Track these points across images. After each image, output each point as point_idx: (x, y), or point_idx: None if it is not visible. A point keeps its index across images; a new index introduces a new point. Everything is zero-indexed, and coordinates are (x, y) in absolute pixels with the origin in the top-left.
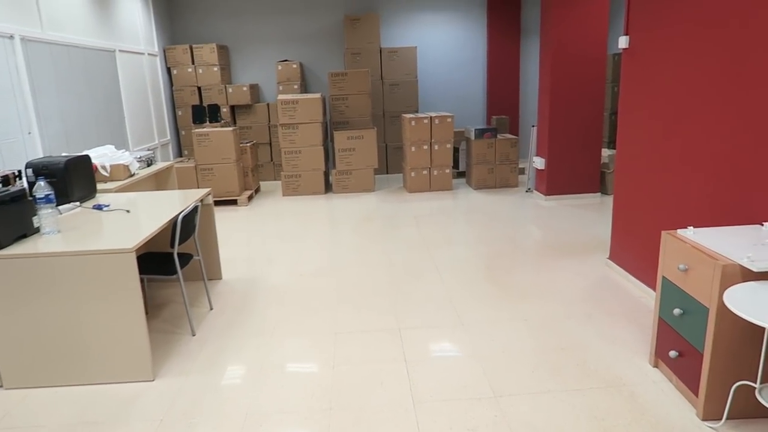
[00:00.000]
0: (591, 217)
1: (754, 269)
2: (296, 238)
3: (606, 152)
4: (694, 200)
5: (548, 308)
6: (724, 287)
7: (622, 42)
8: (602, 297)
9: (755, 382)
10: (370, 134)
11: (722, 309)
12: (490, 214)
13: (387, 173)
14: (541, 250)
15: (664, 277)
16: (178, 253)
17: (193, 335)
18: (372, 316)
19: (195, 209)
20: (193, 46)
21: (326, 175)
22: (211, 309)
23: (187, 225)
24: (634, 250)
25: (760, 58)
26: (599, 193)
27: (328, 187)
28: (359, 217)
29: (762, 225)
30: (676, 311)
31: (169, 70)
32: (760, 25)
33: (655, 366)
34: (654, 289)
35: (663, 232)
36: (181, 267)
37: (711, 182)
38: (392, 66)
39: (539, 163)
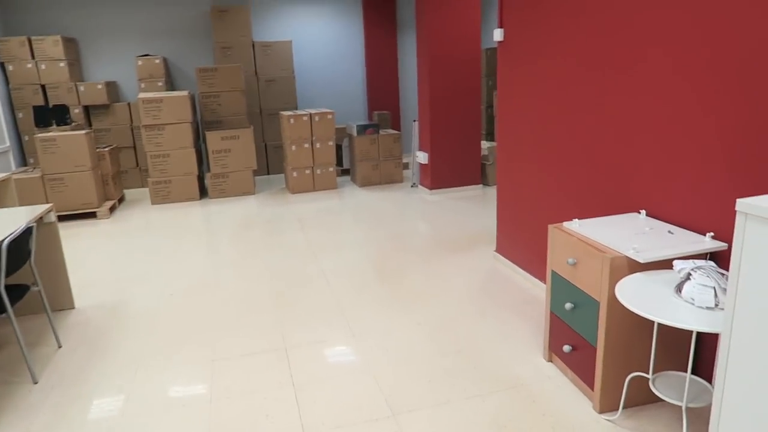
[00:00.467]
0: (475, 209)
1: (641, 260)
2: (167, 253)
3: (485, 144)
4: (576, 190)
5: (441, 308)
6: (613, 280)
7: (497, 35)
8: (493, 292)
9: (648, 373)
10: (247, 134)
11: (613, 302)
12: (377, 212)
13: (268, 174)
14: (430, 247)
15: (553, 272)
16: (10, 285)
17: (35, 383)
18: (254, 336)
19: (28, 231)
20: (32, 38)
21: (200, 179)
22: (60, 347)
23: (18, 252)
24: (520, 242)
25: (633, 49)
26: (481, 185)
27: (203, 193)
28: (239, 223)
29: (639, 213)
30: (568, 306)
31: (3, 66)
32: (628, 16)
33: (550, 360)
34: (541, 279)
35: (549, 226)
36: (15, 301)
37: (590, 172)
38: (267, 61)
39: (422, 157)
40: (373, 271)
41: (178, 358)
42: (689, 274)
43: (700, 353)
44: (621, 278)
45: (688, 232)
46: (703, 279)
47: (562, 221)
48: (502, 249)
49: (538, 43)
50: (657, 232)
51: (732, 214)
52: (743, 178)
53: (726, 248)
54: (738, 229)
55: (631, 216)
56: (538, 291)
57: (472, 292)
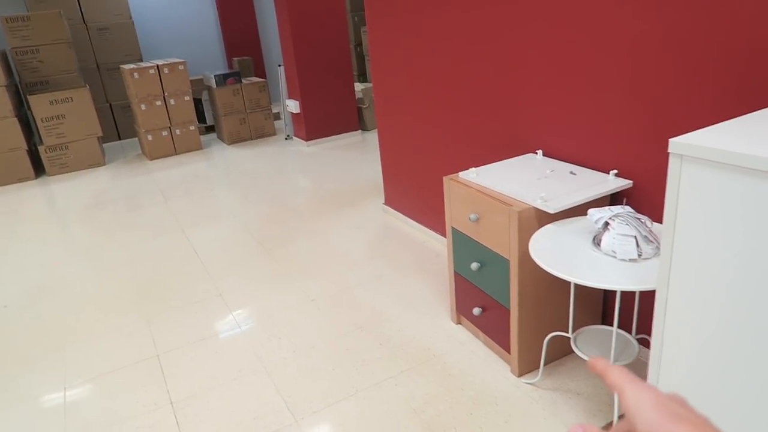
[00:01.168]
0: (357, 158)
1: (551, 210)
2: None
3: (359, 86)
4: (465, 132)
5: (335, 278)
6: (522, 234)
7: None
8: (387, 250)
9: (566, 331)
10: (82, 94)
11: (524, 259)
12: (250, 171)
13: (119, 139)
14: (314, 206)
15: (453, 228)
16: None
17: None
18: (118, 345)
19: None
20: None
21: (33, 153)
22: None
23: None
24: (410, 192)
25: None
26: (360, 131)
27: (39, 170)
28: (88, 202)
29: (536, 153)
30: (474, 265)
31: None
32: None
33: (459, 323)
34: (436, 231)
35: (444, 178)
36: None
37: (478, 110)
38: (95, 5)
39: (293, 106)
40: (254, 242)
41: (16, 389)
42: (607, 223)
43: (613, 303)
44: (530, 232)
45: (591, 170)
46: (622, 228)
47: (453, 167)
48: (391, 201)
49: None
50: (559, 174)
51: (633, 148)
52: (642, 108)
53: (631, 185)
54: (672, 174)
55: (528, 158)
56: (435, 244)
57: (365, 254)
